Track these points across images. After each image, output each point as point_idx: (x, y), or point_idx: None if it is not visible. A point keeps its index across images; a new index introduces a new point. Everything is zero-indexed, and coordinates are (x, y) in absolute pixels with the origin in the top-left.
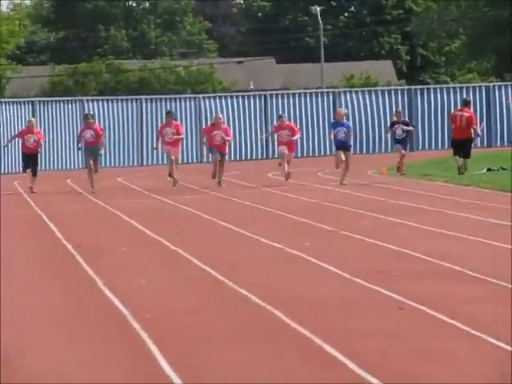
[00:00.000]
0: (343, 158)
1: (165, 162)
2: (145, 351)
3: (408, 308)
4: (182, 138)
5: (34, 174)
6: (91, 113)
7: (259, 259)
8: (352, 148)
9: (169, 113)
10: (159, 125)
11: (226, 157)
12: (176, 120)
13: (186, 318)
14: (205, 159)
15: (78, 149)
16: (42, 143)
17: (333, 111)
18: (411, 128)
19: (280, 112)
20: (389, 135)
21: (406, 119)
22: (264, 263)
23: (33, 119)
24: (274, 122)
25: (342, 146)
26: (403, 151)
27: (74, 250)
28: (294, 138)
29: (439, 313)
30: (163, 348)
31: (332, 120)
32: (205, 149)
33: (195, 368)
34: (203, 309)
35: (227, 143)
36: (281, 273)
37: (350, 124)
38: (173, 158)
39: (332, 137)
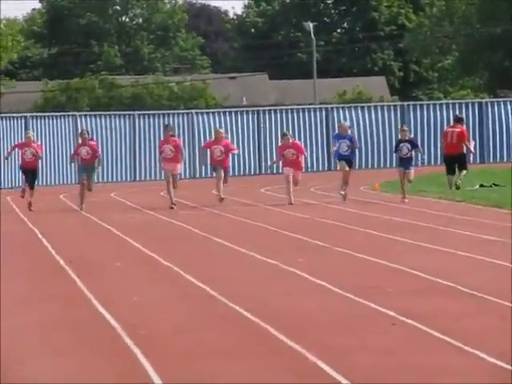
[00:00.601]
0: (346, 168)
1: (159, 177)
2: (138, 367)
3: (401, 324)
4: (182, 154)
5: (31, 187)
6: (86, 129)
7: (253, 275)
8: (353, 164)
9: (167, 127)
10: (152, 140)
11: (228, 172)
12: (174, 135)
13: (179, 335)
14: (198, 174)
15: (71, 162)
16: (40, 155)
17: (325, 127)
18: (417, 148)
19: (273, 127)
20: (395, 154)
21: (412, 138)
22: (258, 279)
23: (30, 132)
24: (268, 138)
25: (344, 159)
26: (411, 173)
27: (67, 266)
28: (301, 159)
29: (432, 329)
30: (156, 365)
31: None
32: (198, 164)
33: None
34: (197, 325)
35: (230, 156)
36: (274, 288)
37: (355, 135)
38: (170, 176)
39: (334, 149)
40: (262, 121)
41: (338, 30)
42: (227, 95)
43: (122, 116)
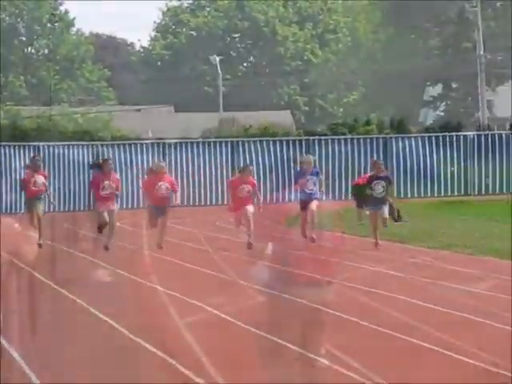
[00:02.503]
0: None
1: (67, 208)
2: None
3: None
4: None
5: None
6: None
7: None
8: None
9: (106, 161)
10: (57, 171)
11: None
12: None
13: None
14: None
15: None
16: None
17: (231, 161)
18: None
19: (178, 160)
20: (368, 192)
21: (388, 173)
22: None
23: None
24: (173, 171)
25: (309, 199)
26: (386, 214)
27: None
28: (258, 195)
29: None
30: None
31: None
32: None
33: None
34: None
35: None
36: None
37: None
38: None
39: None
40: (166, 153)
41: (244, 64)
42: (132, 128)
43: (26, 147)
